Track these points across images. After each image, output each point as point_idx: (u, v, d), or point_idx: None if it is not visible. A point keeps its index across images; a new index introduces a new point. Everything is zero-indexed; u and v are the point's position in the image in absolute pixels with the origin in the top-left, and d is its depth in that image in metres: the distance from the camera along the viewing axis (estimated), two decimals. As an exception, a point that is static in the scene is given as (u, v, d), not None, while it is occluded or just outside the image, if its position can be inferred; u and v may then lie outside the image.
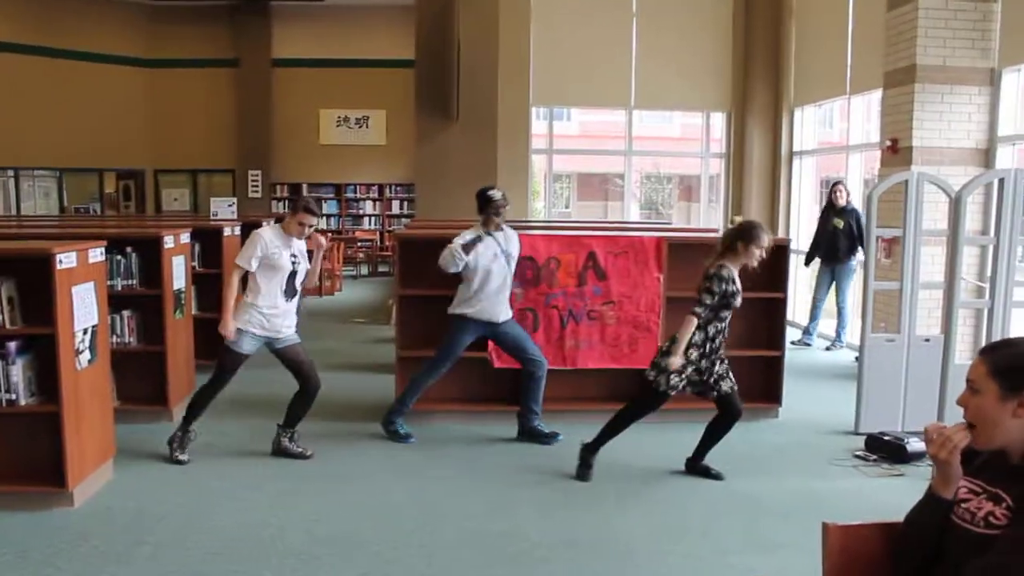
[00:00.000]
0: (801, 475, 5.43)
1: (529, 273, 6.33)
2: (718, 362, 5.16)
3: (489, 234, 5.79)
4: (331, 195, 18.79)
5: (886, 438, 5.73)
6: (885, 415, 6.13)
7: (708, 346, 5.07)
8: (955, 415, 2.22)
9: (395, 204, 19.19)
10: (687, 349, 5.01)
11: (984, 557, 1.98)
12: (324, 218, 18.50)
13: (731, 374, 5.24)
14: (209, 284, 7.74)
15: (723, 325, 5.11)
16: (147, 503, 4.71)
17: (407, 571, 3.95)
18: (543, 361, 5.98)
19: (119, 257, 6.14)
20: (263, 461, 5.51)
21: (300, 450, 5.57)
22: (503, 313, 5.92)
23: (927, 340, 6.18)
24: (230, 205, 9.23)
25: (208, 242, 7.80)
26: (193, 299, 7.25)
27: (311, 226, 5.46)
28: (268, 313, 5.35)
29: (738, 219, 6.01)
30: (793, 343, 9.53)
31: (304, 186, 18.45)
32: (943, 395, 5.87)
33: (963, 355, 6.82)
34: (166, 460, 5.44)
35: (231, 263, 7.82)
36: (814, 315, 9.69)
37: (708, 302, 5.00)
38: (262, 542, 4.22)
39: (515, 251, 5.97)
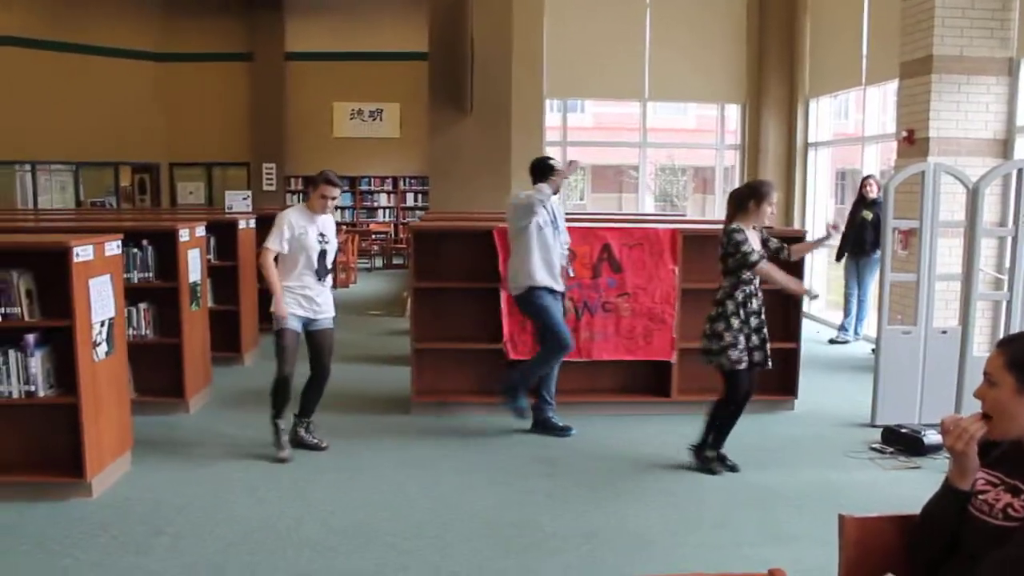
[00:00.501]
0: (817, 467, 5.41)
1: (543, 265, 6.33)
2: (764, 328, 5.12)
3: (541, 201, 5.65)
4: (345, 188, 18.82)
5: (903, 431, 5.70)
6: (902, 407, 6.10)
7: (743, 311, 5.01)
8: (972, 408, 2.21)
9: (409, 196, 19.22)
10: (728, 321, 4.99)
11: (1002, 549, 1.97)
12: (339, 211, 18.56)
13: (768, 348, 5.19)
14: (224, 277, 7.80)
15: (751, 288, 5.04)
16: (165, 494, 4.75)
17: (422, 562, 3.97)
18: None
19: (135, 250, 6.18)
20: (279, 453, 5.53)
21: (316, 441, 5.59)
22: (561, 283, 5.89)
23: (944, 332, 6.14)
24: (245, 198, 9.25)
25: (223, 235, 7.85)
26: (209, 292, 7.29)
27: (334, 198, 5.41)
28: (300, 294, 5.35)
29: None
30: (832, 341, 9.50)
31: (318, 179, 18.48)
32: (960, 388, 5.84)
33: (981, 347, 6.78)
34: (184, 456, 5.47)
35: (247, 256, 7.93)
36: (847, 309, 9.63)
37: (746, 249, 4.97)
38: (278, 533, 4.25)
39: (562, 222, 5.91)
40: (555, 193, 5.68)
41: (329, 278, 5.51)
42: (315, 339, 5.48)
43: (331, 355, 5.57)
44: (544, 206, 5.64)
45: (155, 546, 4.09)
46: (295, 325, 5.36)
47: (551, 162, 5.79)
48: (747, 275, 5.03)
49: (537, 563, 3.99)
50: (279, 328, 5.34)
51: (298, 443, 5.57)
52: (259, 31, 18.25)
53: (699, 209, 19.30)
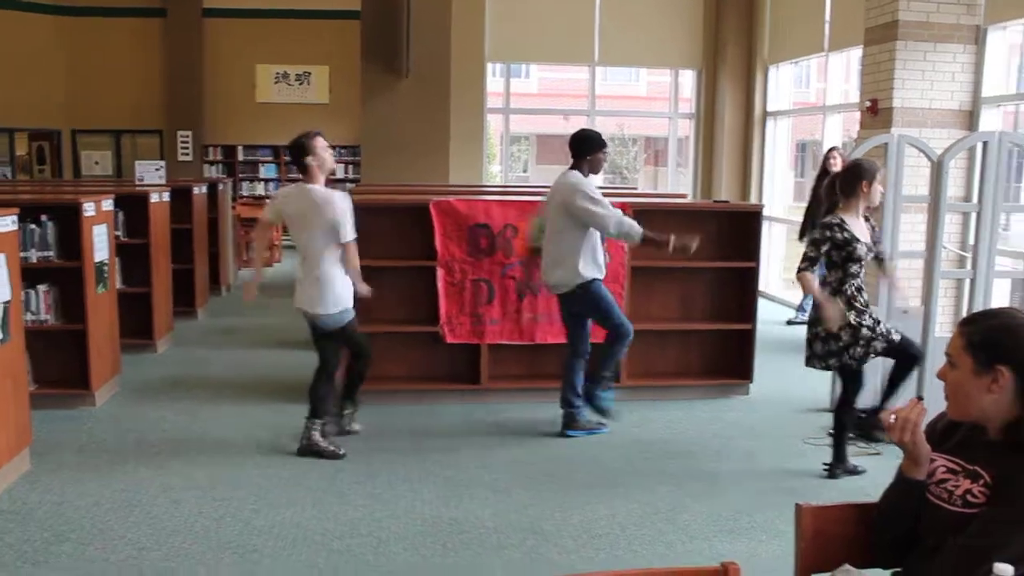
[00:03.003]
0: (773, 454, 5.51)
1: (484, 242, 6.33)
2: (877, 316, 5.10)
3: None
4: (269, 158, 18.55)
5: (862, 415, 5.83)
6: (864, 391, 6.22)
7: (858, 305, 4.99)
8: (935, 389, 2.27)
9: (339, 168, 19.02)
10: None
11: (962, 537, 2.03)
12: (262, 183, 18.32)
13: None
14: (135, 256, 7.65)
15: (858, 281, 5.01)
16: (68, 496, 4.65)
17: (355, 562, 3.96)
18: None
19: (33, 226, 6.03)
20: (197, 447, 5.46)
21: (333, 449, 5.34)
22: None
23: (906, 312, 6.28)
24: (158, 169, 9.09)
25: (133, 210, 7.70)
26: (117, 272, 7.15)
27: (330, 148, 5.33)
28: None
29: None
30: (791, 322, 9.64)
31: (239, 148, 18.20)
32: (922, 369, 5.98)
33: (944, 327, 6.96)
34: (91, 452, 5.37)
35: (160, 233, 7.80)
36: None
37: (811, 254, 4.99)
38: (196, 535, 4.20)
39: None
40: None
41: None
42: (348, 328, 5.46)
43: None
44: None
45: (58, 553, 4.01)
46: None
47: (595, 132, 5.74)
48: (854, 268, 5.00)
49: (478, 560, 4.01)
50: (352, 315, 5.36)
51: (311, 450, 5.35)
52: (172, -15, 17.85)
53: (651, 182, 19.46)
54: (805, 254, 5.05)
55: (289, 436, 5.64)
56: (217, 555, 4.00)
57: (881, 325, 5.03)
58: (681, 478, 5.09)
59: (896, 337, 5.07)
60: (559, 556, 4.07)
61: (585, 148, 5.63)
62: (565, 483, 4.98)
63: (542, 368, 6.62)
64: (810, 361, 5.16)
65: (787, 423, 6.15)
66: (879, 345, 5.00)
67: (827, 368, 5.15)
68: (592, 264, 5.61)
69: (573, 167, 5.64)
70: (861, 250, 4.95)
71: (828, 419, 6.11)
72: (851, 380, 5.13)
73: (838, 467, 5.16)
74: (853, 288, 5.01)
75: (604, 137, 5.77)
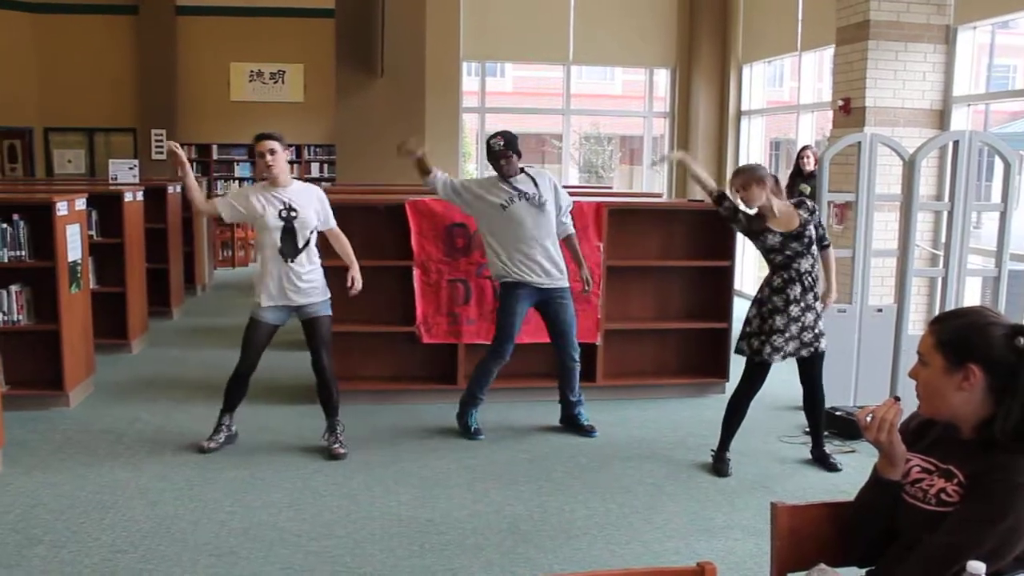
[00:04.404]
0: (749, 453, 5.54)
1: (460, 242, 6.32)
2: (816, 317, 5.10)
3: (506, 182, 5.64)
4: (243, 157, 18.40)
5: (837, 413, 5.88)
6: (836, 389, 6.27)
7: (795, 293, 5.00)
8: (908, 388, 2.29)
9: (314, 167, 18.91)
10: (779, 307, 4.98)
11: (934, 536, 2.05)
12: (237, 182, 18.19)
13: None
14: (109, 255, 7.59)
15: (798, 268, 5.00)
16: (42, 498, 4.60)
17: (331, 563, 3.94)
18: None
19: (5, 225, 5.96)
20: (173, 448, 5.42)
21: (336, 446, 5.36)
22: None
23: (880, 310, 6.33)
24: (131, 168, 9.01)
25: (107, 209, 7.63)
26: (91, 272, 7.08)
27: (271, 151, 5.19)
28: (268, 280, 5.24)
29: (676, 155, 6.05)
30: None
31: (214, 147, 18.06)
32: (896, 367, 6.05)
33: (916, 326, 7.03)
34: (63, 452, 5.32)
35: (134, 232, 7.73)
36: None
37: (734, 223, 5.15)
38: (173, 537, 4.17)
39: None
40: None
41: (305, 255, 5.25)
42: (306, 329, 5.36)
43: (326, 347, 5.36)
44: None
45: (30, 557, 3.96)
46: (270, 318, 5.30)
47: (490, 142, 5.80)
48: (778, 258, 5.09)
49: (456, 561, 4.00)
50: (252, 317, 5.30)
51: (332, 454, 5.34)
52: (146, -19, 17.68)
53: (626, 181, 19.50)
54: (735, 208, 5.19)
55: (263, 437, 5.62)
56: (193, 557, 3.98)
57: (814, 329, 5.07)
58: (658, 477, 5.10)
59: (822, 348, 5.11)
60: (537, 556, 4.07)
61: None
62: (543, 483, 4.98)
63: (519, 368, 6.60)
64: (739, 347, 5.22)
65: (763, 421, 6.18)
66: (800, 349, 5.06)
67: (743, 348, 5.16)
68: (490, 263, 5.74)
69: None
70: (769, 240, 5.01)
71: (803, 416, 6.16)
72: (754, 372, 5.15)
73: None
74: (788, 276, 5.02)
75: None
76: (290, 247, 5.19)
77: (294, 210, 5.20)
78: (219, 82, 18.16)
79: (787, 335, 4.99)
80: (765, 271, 5.21)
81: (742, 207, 5.16)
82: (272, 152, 5.19)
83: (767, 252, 5.05)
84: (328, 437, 5.41)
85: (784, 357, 5.05)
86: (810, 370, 5.23)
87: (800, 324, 5.01)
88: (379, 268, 6.33)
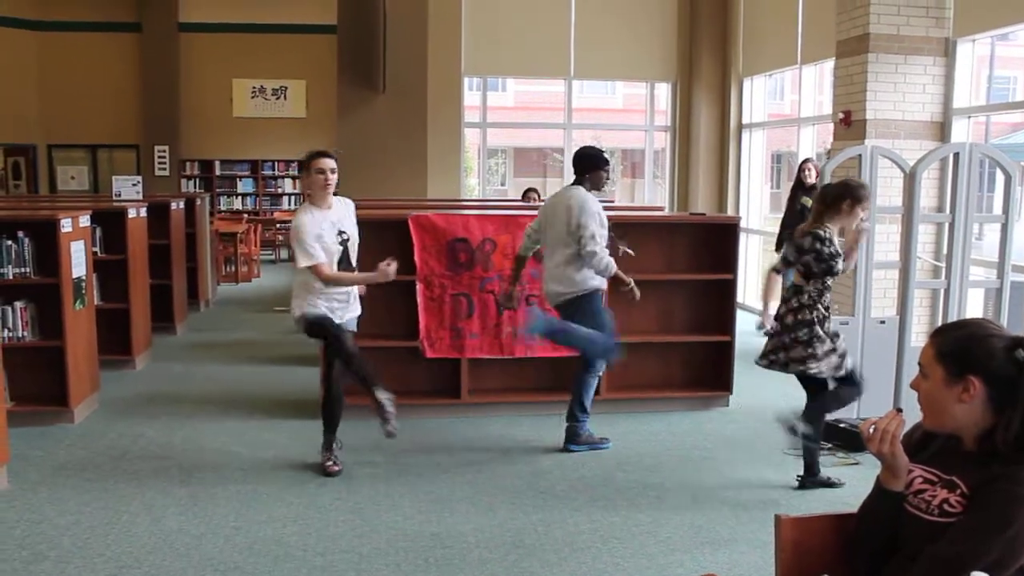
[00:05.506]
0: (753, 466, 5.54)
1: (463, 256, 6.34)
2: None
3: None
4: (246, 172, 18.50)
5: (841, 425, 5.87)
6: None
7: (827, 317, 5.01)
8: (910, 399, 2.30)
9: (317, 182, 18.97)
10: (815, 327, 4.96)
11: (937, 546, 2.05)
12: (239, 198, 18.25)
13: None
14: (113, 272, 7.61)
15: (830, 296, 5.05)
16: (47, 514, 4.61)
17: (336, 579, 3.95)
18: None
19: (10, 242, 5.98)
20: (177, 464, 5.43)
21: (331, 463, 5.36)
22: None
23: (882, 322, 6.34)
24: (135, 184, 9.06)
25: (111, 225, 7.65)
26: (95, 288, 7.09)
27: (332, 170, 5.12)
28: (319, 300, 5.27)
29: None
30: (768, 333, 9.62)
31: (216, 163, 18.13)
32: (899, 379, 6.05)
33: (919, 337, 7.02)
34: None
35: (137, 249, 7.75)
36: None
37: (790, 259, 5.05)
38: (177, 553, 4.17)
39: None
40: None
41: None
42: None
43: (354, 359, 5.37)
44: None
45: (36, 573, 3.97)
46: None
47: (601, 154, 5.75)
48: (830, 282, 5.03)
49: (461, 575, 4.01)
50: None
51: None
52: (148, -1, 17.78)
53: (628, 194, 19.53)
54: (784, 257, 5.09)
55: (268, 452, 5.63)
56: (198, 572, 3.98)
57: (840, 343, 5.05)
58: (662, 491, 5.10)
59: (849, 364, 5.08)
60: (541, 570, 4.07)
61: (586, 165, 5.66)
62: (547, 497, 4.98)
63: (522, 382, 6.63)
64: (769, 361, 5.23)
65: (767, 434, 6.16)
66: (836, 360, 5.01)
67: (804, 370, 5.09)
68: (593, 274, 5.62)
69: (575, 183, 5.67)
70: (839, 267, 4.99)
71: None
72: (819, 387, 5.13)
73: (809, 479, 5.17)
74: (828, 301, 5.05)
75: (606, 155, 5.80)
76: (346, 268, 5.26)
77: (343, 232, 5.23)
78: (222, 98, 18.25)
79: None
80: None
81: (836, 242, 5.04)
82: (334, 171, 5.16)
83: (833, 276, 5.01)
84: (324, 454, 5.40)
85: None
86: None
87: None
88: (383, 284, 6.34)
